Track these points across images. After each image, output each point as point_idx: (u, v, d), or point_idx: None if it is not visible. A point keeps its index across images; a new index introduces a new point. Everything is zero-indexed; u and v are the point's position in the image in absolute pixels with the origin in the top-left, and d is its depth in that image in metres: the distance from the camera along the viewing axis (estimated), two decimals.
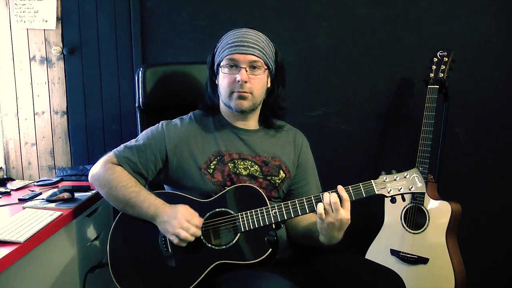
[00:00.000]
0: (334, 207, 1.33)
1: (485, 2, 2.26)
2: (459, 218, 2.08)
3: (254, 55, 1.50)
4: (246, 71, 1.49)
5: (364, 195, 1.37)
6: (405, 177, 1.39)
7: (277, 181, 1.58)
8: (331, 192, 1.36)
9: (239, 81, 1.49)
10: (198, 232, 1.42)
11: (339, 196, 1.34)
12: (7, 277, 1.44)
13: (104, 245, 1.50)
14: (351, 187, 1.37)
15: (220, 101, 1.60)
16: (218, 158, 1.54)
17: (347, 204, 1.34)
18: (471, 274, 2.10)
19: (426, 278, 2.05)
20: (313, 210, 1.39)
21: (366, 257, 2.17)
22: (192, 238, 1.41)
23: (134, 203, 1.47)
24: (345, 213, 1.33)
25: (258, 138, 1.61)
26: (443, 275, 2.01)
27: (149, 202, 1.46)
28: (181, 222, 1.40)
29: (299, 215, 1.41)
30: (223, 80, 1.53)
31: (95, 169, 1.56)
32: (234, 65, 1.50)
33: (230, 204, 1.47)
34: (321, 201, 1.36)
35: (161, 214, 1.44)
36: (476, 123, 2.33)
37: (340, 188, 1.36)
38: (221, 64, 1.53)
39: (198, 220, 1.43)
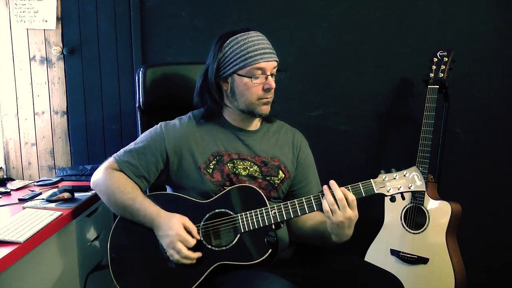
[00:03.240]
0: (341, 204, 1.33)
1: (485, 2, 2.26)
2: (459, 218, 2.08)
3: (276, 61, 1.52)
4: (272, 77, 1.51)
5: (364, 195, 1.36)
6: (404, 175, 1.38)
7: (276, 181, 1.58)
8: (335, 190, 1.35)
9: (269, 89, 1.50)
10: (191, 255, 1.39)
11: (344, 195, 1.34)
12: (7, 277, 1.44)
13: (104, 245, 1.50)
14: (350, 186, 1.37)
15: (232, 106, 1.57)
16: (217, 158, 1.54)
17: (354, 203, 1.34)
18: (471, 274, 2.10)
19: (426, 278, 2.05)
20: (312, 210, 1.39)
21: (366, 257, 2.17)
22: (187, 262, 1.39)
23: (130, 211, 1.47)
24: (351, 212, 1.33)
25: (257, 138, 1.61)
26: (443, 275, 2.01)
27: (144, 211, 1.45)
28: (174, 242, 1.38)
29: (298, 216, 1.41)
30: (247, 88, 1.50)
31: (96, 176, 1.56)
32: (260, 73, 1.49)
33: (230, 204, 1.47)
34: (323, 200, 1.35)
35: (157, 227, 1.43)
36: (476, 123, 2.33)
37: (342, 188, 1.35)
38: (241, 72, 1.49)
39: (192, 240, 1.40)
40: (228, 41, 1.51)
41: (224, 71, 1.53)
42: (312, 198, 1.40)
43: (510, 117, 2.31)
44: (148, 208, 1.45)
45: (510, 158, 2.33)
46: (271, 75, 1.51)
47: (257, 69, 1.48)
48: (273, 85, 1.50)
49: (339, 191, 1.34)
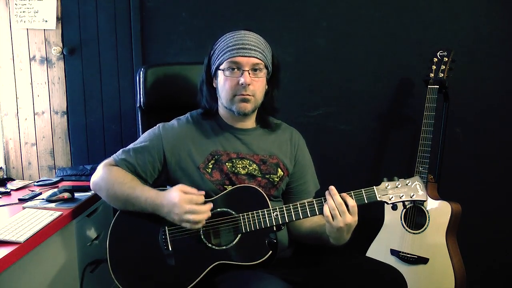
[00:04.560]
0: (341, 209, 1.33)
1: (485, 2, 2.26)
2: (459, 218, 2.08)
3: (257, 58, 1.50)
4: (249, 73, 1.49)
5: (366, 201, 1.37)
6: (407, 184, 1.39)
7: (276, 179, 1.58)
8: (334, 196, 1.35)
9: (242, 84, 1.48)
10: (206, 208, 1.39)
11: (344, 201, 1.34)
12: (7, 277, 1.44)
13: (104, 245, 1.50)
14: (353, 192, 1.37)
15: (219, 103, 1.59)
16: (215, 157, 1.54)
17: (355, 209, 1.35)
18: (471, 274, 2.10)
19: (426, 278, 2.05)
20: (314, 213, 1.40)
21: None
22: (205, 217, 1.39)
23: (132, 200, 1.46)
24: (351, 218, 1.34)
25: (256, 137, 1.61)
26: (443, 275, 2.01)
27: (145, 196, 1.45)
28: (182, 207, 1.37)
29: (300, 218, 1.42)
30: (224, 83, 1.51)
31: (95, 176, 1.55)
32: (236, 68, 1.49)
33: (231, 204, 1.47)
34: (324, 205, 1.36)
35: (160, 207, 1.42)
36: (476, 123, 2.33)
37: (344, 194, 1.36)
38: (221, 66, 1.52)
39: (199, 197, 1.41)
40: (218, 39, 1.55)
41: (212, 68, 1.56)
42: (314, 202, 1.40)
43: (510, 117, 2.31)
44: (148, 192, 1.45)
45: (510, 158, 2.33)
46: (250, 71, 1.49)
47: (233, 63, 1.49)
48: (247, 80, 1.47)
49: (338, 197, 1.34)
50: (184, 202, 1.38)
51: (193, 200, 1.39)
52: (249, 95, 1.50)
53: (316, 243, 1.52)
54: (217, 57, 1.53)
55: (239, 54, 1.48)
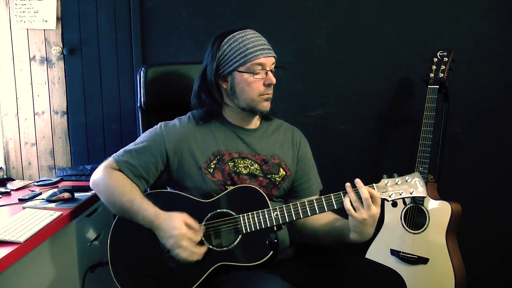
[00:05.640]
0: (366, 203, 1.33)
1: (485, 2, 2.26)
2: (459, 218, 2.08)
3: (274, 57, 1.53)
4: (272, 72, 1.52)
5: None
6: (406, 181, 1.39)
7: (277, 179, 1.58)
8: (357, 189, 1.35)
9: (269, 84, 1.51)
10: (199, 251, 1.40)
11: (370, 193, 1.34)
12: (7, 277, 1.44)
13: (104, 245, 1.50)
14: (353, 189, 1.37)
15: (230, 104, 1.57)
16: (218, 157, 1.54)
17: (378, 201, 1.35)
18: (471, 274, 2.10)
19: (426, 278, 2.05)
20: (314, 212, 1.40)
21: (366, 257, 2.17)
22: (196, 258, 1.39)
23: (129, 213, 1.46)
24: (376, 209, 1.34)
25: (257, 137, 1.61)
26: (443, 275, 2.01)
27: (142, 214, 1.44)
28: (179, 241, 1.38)
29: (300, 218, 1.42)
30: (249, 85, 1.50)
31: (95, 175, 1.55)
32: (261, 69, 1.50)
33: (232, 205, 1.47)
34: (345, 198, 1.35)
35: (157, 229, 1.42)
36: (476, 123, 2.33)
37: (367, 187, 1.35)
38: (241, 68, 1.49)
39: (197, 237, 1.41)
40: (226, 39, 1.52)
41: (223, 69, 1.53)
42: (314, 201, 1.40)
43: (510, 117, 2.31)
44: (146, 210, 1.44)
45: (510, 158, 2.33)
46: (270, 71, 1.52)
47: (257, 65, 1.49)
48: (274, 80, 1.51)
49: (365, 190, 1.34)
50: (183, 238, 1.38)
51: (192, 239, 1.39)
52: (271, 93, 1.54)
53: (332, 242, 1.52)
54: (232, 59, 1.50)
55: (263, 55, 1.49)
